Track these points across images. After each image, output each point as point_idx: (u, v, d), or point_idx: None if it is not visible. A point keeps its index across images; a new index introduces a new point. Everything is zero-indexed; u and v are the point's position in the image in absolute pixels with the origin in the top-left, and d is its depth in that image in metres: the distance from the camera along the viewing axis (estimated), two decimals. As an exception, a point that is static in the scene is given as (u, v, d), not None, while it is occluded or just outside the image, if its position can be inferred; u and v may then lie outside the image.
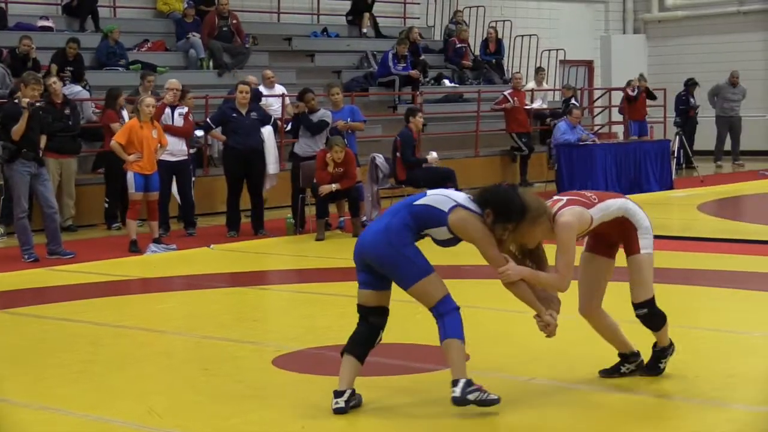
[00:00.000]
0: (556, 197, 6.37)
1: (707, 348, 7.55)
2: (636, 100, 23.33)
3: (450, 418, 5.92)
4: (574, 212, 6.17)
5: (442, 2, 25.63)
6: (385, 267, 6.03)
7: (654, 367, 6.58)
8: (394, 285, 6.13)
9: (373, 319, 6.18)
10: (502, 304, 9.49)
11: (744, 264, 11.24)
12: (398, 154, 15.31)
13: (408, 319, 8.88)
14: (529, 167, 21.12)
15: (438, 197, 6.10)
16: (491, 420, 5.94)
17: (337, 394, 6.11)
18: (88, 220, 15.55)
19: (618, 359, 6.68)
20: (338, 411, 6.04)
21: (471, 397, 5.93)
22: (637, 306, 6.39)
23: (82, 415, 6.23)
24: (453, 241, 6.12)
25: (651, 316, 6.42)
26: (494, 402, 5.95)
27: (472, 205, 6.04)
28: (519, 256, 6.22)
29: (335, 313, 9.42)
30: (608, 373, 6.66)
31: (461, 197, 6.10)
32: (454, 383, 5.94)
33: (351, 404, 6.14)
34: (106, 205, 15.23)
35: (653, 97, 23.71)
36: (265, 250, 13.39)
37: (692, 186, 19.97)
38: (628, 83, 23.77)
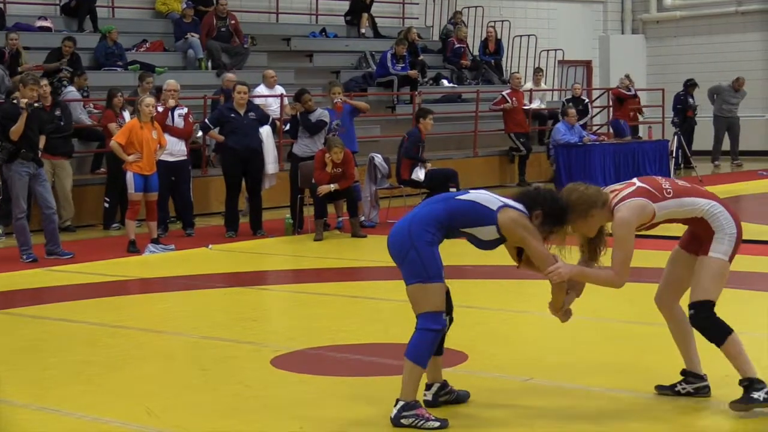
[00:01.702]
0: (628, 182, 6.15)
1: (702, 348, 7.55)
2: (628, 101, 23.39)
3: (450, 418, 5.92)
4: (633, 207, 5.93)
5: (441, 2, 25.63)
6: (396, 257, 5.90)
7: (744, 400, 5.90)
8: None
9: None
10: (502, 304, 9.52)
11: (744, 264, 11.20)
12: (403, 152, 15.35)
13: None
14: (528, 167, 21.13)
15: (484, 195, 5.96)
16: (485, 419, 5.95)
17: (426, 387, 6.14)
18: (87, 220, 15.56)
19: (681, 376, 6.37)
20: (426, 403, 6.03)
21: (404, 421, 5.77)
22: (689, 306, 6.03)
23: (81, 415, 6.23)
24: (495, 242, 5.94)
25: (700, 319, 5.95)
26: (435, 429, 5.74)
27: (520, 206, 5.94)
28: (582, 244, 6.10)
29: (334, 313, 9.43)
30: (662, 389, 6.36)
31: (505, 198, 5.99)
32: (396, 402, 5.82)
33: (442, 398, 6.11)
34: (107, 205, 15.22)
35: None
36: (263, 250, 13.39)
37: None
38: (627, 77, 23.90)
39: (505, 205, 5.91)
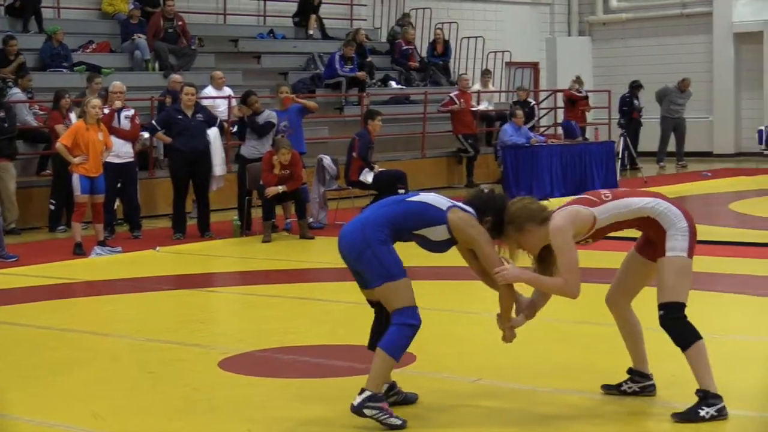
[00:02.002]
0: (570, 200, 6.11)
1: (649, 348, 7.60)
2: (580, 102, 23.58)
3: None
4: (565, 214, 5.90)
5: (389, 4, 25.66)
6: (349, 258, 5.90)
7: (690, 413, 5.82)
8: None
9: (384, 312, 6.03)
10: (451, 304, 9.55)
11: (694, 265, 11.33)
12: (354, 153, 15.33)
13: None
14: (475, 168, 21.20)
15: (433, 197, 6.01)
16: (434, 420, 5.96)
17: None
18: (33, 223, 15.41)
19: (627, 375, 6.38)
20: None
21: (368, 412, 5.77)
22: (658, 307, 5.94)
23: (27, 419, 6.17)
24: (446, 244, 5.98)
25: (669, 320, 5.87)
26: (395, 427, 5.75)
27: (469, 209, 5.97)
28: (534, 264, 6.07)
29: (282, 315, 9.41)
30: (608, 388, 6.38)
31: (455, 201, 6.03)
32: (361, 391, 5.82)
33: (390, 399, 6.07)
34: (52, 207, 15.09)
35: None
36: (211, 252, 13.34)
37: (636, 187, 20.10)
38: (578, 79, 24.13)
39: (454, 206, 5.94)
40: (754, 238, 12.99)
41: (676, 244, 5.90)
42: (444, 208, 5.91)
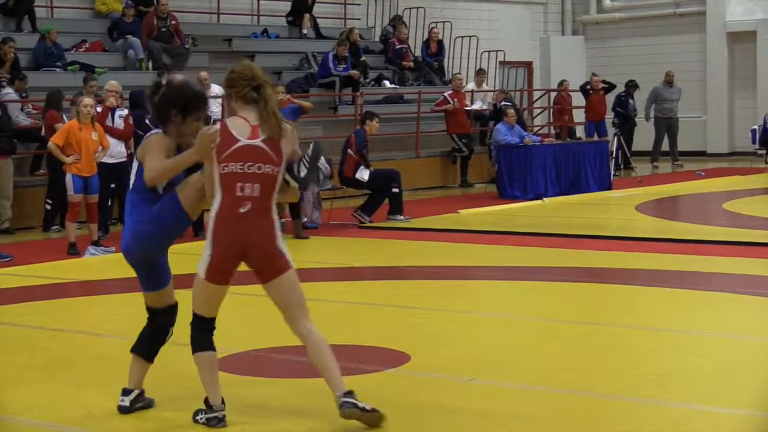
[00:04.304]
0: None
1: (644, 347, 7.63)
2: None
3: (393, 422, 5.93)
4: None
5: (383, 3, 25.66)
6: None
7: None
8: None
9: (161, 319, 6.29)
10: (444, 304, 9.55)
11: (681, 263, 11.37)
12: (350, 150, 15.33)
13: (359, 322, 8.92)
14: (469, 168, 21.21)
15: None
16: (427, 420, 5.97)
17: (125, 392, 6.22)
18: (27, 222, 15.39)
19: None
20: (121, 409, 6.16)
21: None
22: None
23: (20, 420, 6.16)
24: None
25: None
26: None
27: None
28: None
29: (277, 314, 9.35)
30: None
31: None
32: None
33: (138, 405, 6.21)
34: (48, 207, 15.06)
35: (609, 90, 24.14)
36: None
37: (630, 186, 20.17)
38: (562, 82, 24.20)
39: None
40: (748, 238, 13.00)
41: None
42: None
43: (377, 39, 25.08)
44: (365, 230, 14.69)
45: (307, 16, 23.51)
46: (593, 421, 5.94)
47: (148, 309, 6.32)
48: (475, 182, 21.07)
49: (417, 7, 25.63)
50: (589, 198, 18.35)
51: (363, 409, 5.70)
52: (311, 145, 5.99)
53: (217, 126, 5.81)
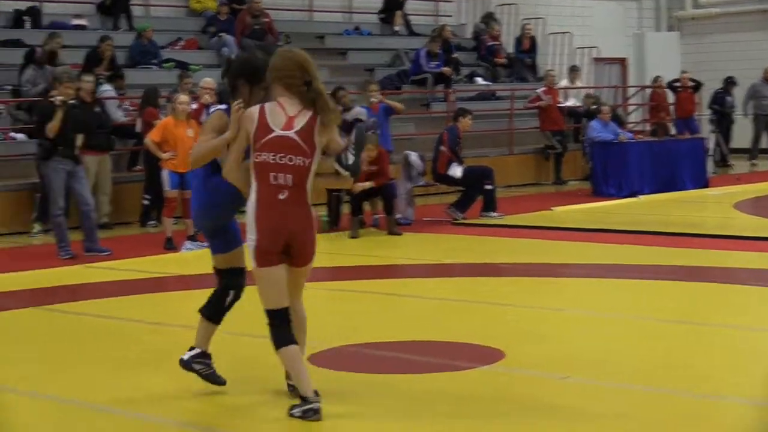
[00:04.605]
0: None
1: (746, 348, 7.50)
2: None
3: (488, 419, 5.90)
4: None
5: (475, 0, 25.58)
6: None
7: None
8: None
9: (225, 280, 6.63)
10: (538, 301, 9.49)
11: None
12: (442, 147, 15.33)
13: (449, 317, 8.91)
14: (563, 165, 21.06)
15: None
16: (522, 418, 5.93)
17: (190, 349, 6.56)
18: (124, 217, 15.62)
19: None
20: (180, 362, 6.53)
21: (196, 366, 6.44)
22: None
23: (120, 411, 6.25)
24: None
25: None
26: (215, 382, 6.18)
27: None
28: None
29: (370, 310, 9.43)
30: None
31: None
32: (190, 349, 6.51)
33: (198, 366, 6.48)
34: (146, 203, 15.26)
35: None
36: (299, 247, 13.35)
37: (728, 184, 19.85)
38: (656, 79, 23.89)
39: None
40: None
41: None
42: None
43: (469, 36, 25.01)
44: (458, 227, 14.66)
45: (399, 12, 23.54)
46: (691, 422, 5.85)
47: (215, 270, 6.63)
48: (568, 179, 20.91)
49: (510, 4, 25.52)
50: (685, 195, 18.10)
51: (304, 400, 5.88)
52: (354, 131, 6.09)
53: (255, 109, 5.90)
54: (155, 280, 11.22)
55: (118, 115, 16.54)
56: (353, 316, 9.13)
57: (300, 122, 5.85)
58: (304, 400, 5.87)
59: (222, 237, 6.45)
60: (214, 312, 6.59)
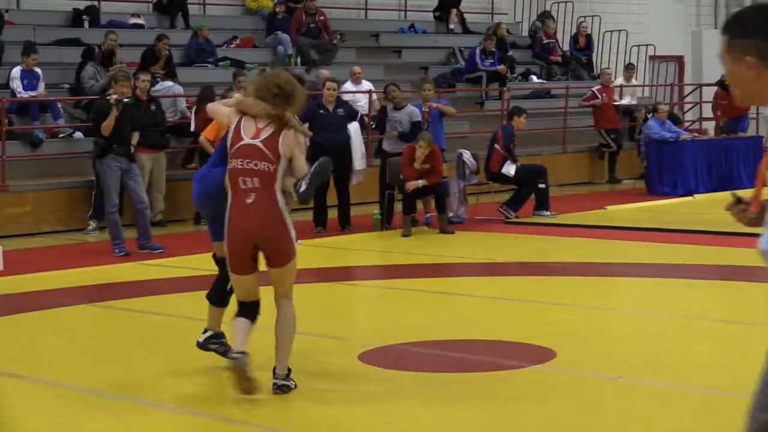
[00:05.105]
0: None
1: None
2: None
3: (537, 419, 5.88)
4: None
5: (530, -2, 25.53)
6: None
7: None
8: None
9: (223, 268, 6.90)
10: (589, 301, 9.44)
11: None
12: (497, 145, 15.30)
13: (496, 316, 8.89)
14: (618, 164, 20.92)
15: None
16: (580, 418, 5.91)
17: (204, 331, 7.08)
18: (178, 215, 15.72)
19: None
20: (197, 344, 7.10)
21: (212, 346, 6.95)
22: None
23: (170, 407, 6.30)
24: None
25: None
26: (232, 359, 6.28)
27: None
28: None
29: (421, 309, 9.43)
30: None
31: None
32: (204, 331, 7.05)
33: (213, 346, 6.96)
34: (203, 200, 15.34)
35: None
36: (351, 245, 13.43)
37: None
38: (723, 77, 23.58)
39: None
40: None
41: None
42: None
43: (525, 34, 24.92)
44: (511, 225, 14.62)
45: (454, 11, 23.51)
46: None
47: (214, 257, 7.14)
48: (623, 178, 20.77)
49: (565, 2, 25.40)
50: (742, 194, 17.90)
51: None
52: (317, 163, 6.47)
53: (238, 116, 6.51)
54: (208, 278, 11.25)
55: (183, 107, 16.72)
56: (404, 315, 9.14)
57: (266, 133, 6.38)
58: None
59: (220, 225, 6.61)
60: (218, 297, 7.10)
